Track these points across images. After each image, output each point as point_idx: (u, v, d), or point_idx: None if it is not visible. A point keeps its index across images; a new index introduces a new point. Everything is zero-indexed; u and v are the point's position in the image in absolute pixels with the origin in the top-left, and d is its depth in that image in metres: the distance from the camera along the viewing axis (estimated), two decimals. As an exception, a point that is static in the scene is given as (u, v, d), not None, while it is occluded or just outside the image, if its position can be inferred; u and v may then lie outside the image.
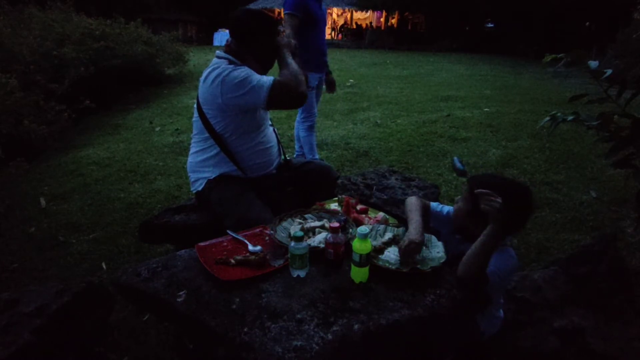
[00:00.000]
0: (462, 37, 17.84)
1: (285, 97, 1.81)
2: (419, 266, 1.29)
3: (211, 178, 1.86)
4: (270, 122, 2.06)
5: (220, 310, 1.14)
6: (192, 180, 1.95)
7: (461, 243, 1.48)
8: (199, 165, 1.91)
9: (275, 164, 2.01)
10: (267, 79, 1.77)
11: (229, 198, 1.82)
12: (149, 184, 3.49)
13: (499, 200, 1.23)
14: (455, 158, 1.51)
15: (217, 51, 1.89)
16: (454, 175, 3.53)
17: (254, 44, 1.86)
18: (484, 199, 1.25)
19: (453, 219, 1.51)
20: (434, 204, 1.64)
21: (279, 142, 2.09)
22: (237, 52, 1.86)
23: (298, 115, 3.54)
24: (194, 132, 1.93)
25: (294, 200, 2.02)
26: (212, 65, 1.83)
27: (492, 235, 1.23)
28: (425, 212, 1.55)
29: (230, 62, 1.82)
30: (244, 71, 1.76)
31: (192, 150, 1.96)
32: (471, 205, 1.35)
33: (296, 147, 3.60)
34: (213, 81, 1.75)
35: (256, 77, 1.77)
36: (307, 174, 2.04)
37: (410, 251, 1.30)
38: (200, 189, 1.90)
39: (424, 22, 21.69)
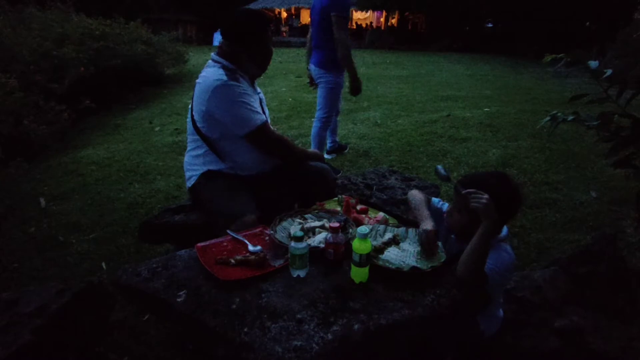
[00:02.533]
0: (462, 37, 17.84)
1: (265, 142, 1.87)
2: (419, 266, 1.29)
3: (203, 172, 1.88)
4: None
5: (220, 310, 1.14)
6: (187, 177, 1.96)
7: (458, 242, 1.48)
8: (192, 162, 1.92)
9: (269, 164, 1.98)
10: (258, 118, 1.78)
11: (215, 189, 1.82)
12: (148, 184, 3.49)
13: (486, 196, 1.23)
14: (438, 166, 1.53)
15: (213, 53, 1.87)
16: (454, 174, 3.53)
17: (249, 45, 1.82)
18: (472, 198, 1.26)
19: (450, 226, 1.50)
20: (435, 200, 1.65)
21: None
22: (231, 55, 1.82)
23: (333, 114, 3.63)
24: (187, 131, 1.94)
25: (290, 200, 2.01)
26: (209, 69, 1.81)
27: (486, 232, 1.23)
28: (428, 205, 1.57)
29: (225, 68, 1.79)
30: (241, 92, 1.74)
31: (187, 148, 1.97)
32: (464, 208, 1.35)
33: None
34: (205, 87, 1.75)
35: (250, 107, 1.76)
36: (306, 176, 2.02)
37: (431, 240, 1.35)
38: (191, 184, 1.92)
39: (424, 22, 21.68)
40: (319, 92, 3.49)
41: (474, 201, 1.25)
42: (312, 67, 3.46)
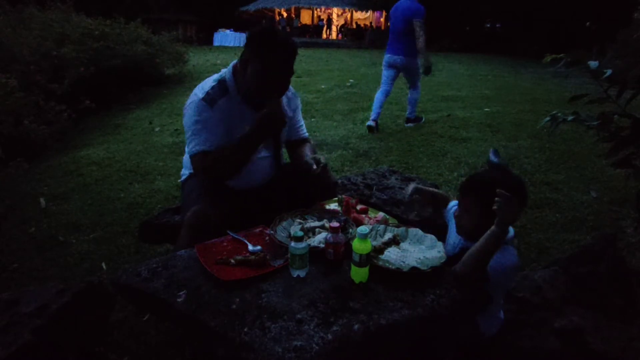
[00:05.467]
0: (462, 37, 17.84)
1: (196, 170, 1.73)
2: (418, 266, 1.29)
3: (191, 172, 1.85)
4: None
5: (220, 310, 1.14)
6: (182, 173, 1.94)
7: (466, 241, 1.47)
8: (187, 162, 1.86)
9: (261, 179, 1.88)
10: (193, 146, 1.65)
11: (194, 186, 1.79)
12: (149, 184, 3.49)
13: (515, 202, 1.19)
14: (491, 150, 1.50)
15: (234, 62, 1.74)
16: (454, 174, 3.53)
17: (247, 69, 1.64)
18: (502, 201, 1.19)
19: (461, 227, 1.48)
20: (453, 202, 1.66)
21: (277, 157, 1.93)
22: (239, 74, 1.69)
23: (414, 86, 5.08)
24: None
25: (288, 206, 1.94)
26: (212, 76, 1.74)
27: (496, 236, 1.21)
28: (442, 201, 1.66)
29: (222, 80, 1.70)
30: (202, 117, 1.63)
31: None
32: (481, 207, 1.34)
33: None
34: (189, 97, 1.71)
35: (195, 133, 1.65)
36: (305, 180, 1.93)
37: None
38: (182, 180, 1.92)
39: (424, 22, 21.67)
40: (408, 73, 4.96)
41: (503, 206, 1.19)
42: (397, 57, 4.79)
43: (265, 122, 1.63)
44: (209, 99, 1.65)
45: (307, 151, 1.90)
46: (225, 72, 1.75)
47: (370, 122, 4.85)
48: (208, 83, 1.71)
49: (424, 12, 4.54)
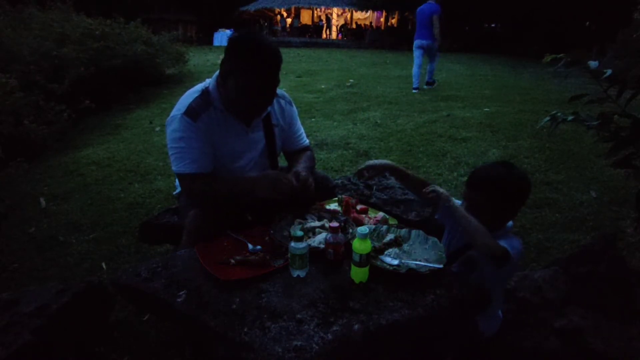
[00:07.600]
0: (462, 37, 17.84)
1: (183, 189, 1.68)
2: (417, 268, 1.29)
3: None
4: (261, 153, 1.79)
5: (220, 310, 1.14)
6: (177, 184, 1.91)
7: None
8: None
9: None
10: (180, 165, 1.58)
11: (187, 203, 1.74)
12: (149, 184, 3.49)
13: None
14: None
15: (217, 72, 1.62)
16: (454, 174, 3.53)
17: (228, 83, 1.54)
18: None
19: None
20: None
21: (273, 166, 1.85)
22: (221, 86, 1.59)
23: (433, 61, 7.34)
24: None
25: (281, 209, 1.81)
26: (196, 86, 1.65)
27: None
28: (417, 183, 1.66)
29: (206, 91, 1.62)
30: (182, 134, 1.55)
31: None
32: (488, 202, 1.38)
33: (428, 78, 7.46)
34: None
35: (178, 153, 1.58)
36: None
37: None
38: (177, 193, 1.92)
39: (424, 22, 21.68)
40: (429, 51, 7.08)
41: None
42: (424, 40, 6.95)
43: (263, 185, 1.53)
44: (193, 112, 1.57)
45: (300, 164, 1.77)
46: (209, 82, 1.66)
47: (414, 91, 7.11)
48: (191, 95, 1.63)
49: (440, 10, 6.76)
